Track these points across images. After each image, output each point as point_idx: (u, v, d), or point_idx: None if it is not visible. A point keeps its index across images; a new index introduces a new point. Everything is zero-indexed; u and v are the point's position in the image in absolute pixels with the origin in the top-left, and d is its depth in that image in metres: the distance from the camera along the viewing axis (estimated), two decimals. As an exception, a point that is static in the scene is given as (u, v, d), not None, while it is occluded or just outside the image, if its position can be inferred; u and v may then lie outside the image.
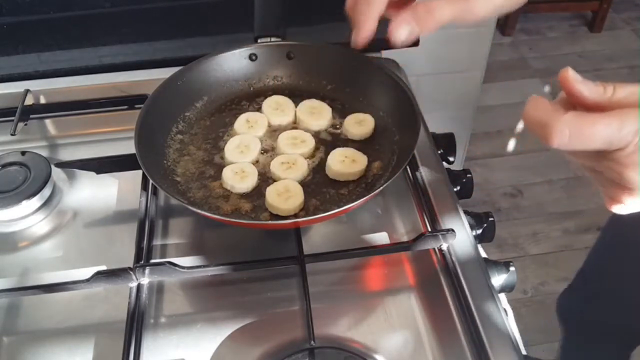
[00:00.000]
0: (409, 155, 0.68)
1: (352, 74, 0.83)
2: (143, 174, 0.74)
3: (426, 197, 0.73)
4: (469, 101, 1.52)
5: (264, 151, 0.77)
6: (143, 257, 0.68)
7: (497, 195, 2.17)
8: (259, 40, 0.86)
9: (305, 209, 0.69)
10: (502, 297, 0.70)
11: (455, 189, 0.79)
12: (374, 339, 0.62)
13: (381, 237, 0.72)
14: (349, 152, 0.74)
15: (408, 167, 0.77)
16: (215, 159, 0.77)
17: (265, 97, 0.83)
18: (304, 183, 0.72)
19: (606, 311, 1.18)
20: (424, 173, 0.77)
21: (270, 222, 0.68)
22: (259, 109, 0.83)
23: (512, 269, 0.70)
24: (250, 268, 0.67)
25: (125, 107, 0.89)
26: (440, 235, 0.67)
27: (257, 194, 0.72)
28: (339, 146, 0.76)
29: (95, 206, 0.78)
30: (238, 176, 0.72)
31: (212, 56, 0.83)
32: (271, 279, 0.68)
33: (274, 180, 0.72)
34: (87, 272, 0.64)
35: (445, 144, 0.86)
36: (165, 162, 0.75)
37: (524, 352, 0.63)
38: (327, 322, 0.63)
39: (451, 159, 0.85)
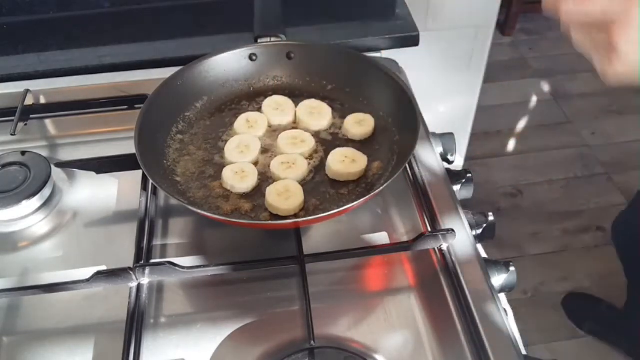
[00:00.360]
0: (409, 155, 0.69)
1: (352, 74, 0.83)
2: (143, 174, 0.74)
3: (426, 197, 0.73)
4: (469, 101, 1.52)
5: (264, 151, 0.77)
6: (143, 257, 0.68)
7: (497, 195, 2.17)
8: (259, 40, 0.86)
9: (305, 209, 0.69)
10: (502, 297, 0.70)
11: (455, 189, 0.79)
12: (374, 339, 0.62)
13: (381, 237, 0.72)
14: (349, 152, 0.74)
15: (408, 167, 0.77)
16: (215, 159, 0.77)
17: (265, 97, 0.83)
18: (303, 183, 0.72)
19: None
20: (424, 173, 0.77)
21: (270, 222, 0.68)
22: (259, 109, 0.83)
23: (512, 269, 0.70)
24: (250, 268, 0.67)
25: (125, 107, 0.89)
26: (440, 235, 0.67)
27: (257, 194, 0.72)
28: (339, 146, 0.76)
29: (95, 206, 0.78)
30: (238, 176, 0.72)
31: (212, 56, 0.83)
32: (271, 279, 0.68)
33: (274, 180, 0.72)
34: (87, 272, 0.64)
35: (445, 144, 0.86)
36: (165, 162, 0.75)
37: (524, 352, 0.63)
38: (327, 322, 0.63)
39: (451, 159, 0.85)
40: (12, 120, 0.84)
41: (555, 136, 2.38)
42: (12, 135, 0.82)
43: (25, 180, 0.77)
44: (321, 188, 0.72)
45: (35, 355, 0.62)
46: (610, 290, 1.86)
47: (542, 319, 1.77)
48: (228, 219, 0.67)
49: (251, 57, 0.85)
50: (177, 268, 0.64)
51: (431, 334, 0.62)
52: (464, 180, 0.81)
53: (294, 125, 0.81)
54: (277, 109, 0.81)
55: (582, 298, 1.81)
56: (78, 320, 0.65)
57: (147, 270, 0.65)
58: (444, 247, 0.68)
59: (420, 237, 0.66)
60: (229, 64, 0.84)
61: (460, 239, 0.70)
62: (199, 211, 0.66)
